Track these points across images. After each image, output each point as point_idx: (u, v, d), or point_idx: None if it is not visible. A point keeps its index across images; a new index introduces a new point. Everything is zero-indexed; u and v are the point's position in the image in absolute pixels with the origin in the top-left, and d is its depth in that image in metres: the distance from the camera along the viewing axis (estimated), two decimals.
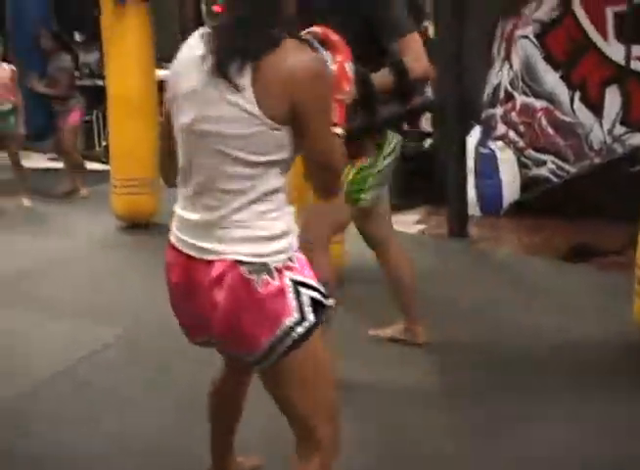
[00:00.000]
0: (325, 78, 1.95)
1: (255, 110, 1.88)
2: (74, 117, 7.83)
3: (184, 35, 2.16)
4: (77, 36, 9.96)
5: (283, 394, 2.11)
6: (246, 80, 1.87)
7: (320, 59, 2.01)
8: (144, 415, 3.35)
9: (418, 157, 6.95)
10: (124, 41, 6.08)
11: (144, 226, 6.37)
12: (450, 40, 5.77)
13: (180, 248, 2.07)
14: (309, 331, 1.99)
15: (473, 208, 6.35)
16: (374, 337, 4.06)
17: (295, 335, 1.97)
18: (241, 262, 1.96)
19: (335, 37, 2.27)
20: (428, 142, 7.14)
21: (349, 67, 2.25)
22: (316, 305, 2.00)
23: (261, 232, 1.98)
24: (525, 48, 6.54)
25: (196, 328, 2.15)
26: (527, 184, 6.62)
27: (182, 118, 2.00)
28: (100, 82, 8.70)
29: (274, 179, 1.99)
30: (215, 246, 1.99)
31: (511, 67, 6.63)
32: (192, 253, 2.03)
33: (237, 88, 1.88)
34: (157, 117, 6.17)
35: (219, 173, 1.97)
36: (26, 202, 7.39)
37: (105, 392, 3.60)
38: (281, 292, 1.96)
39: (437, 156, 6.79)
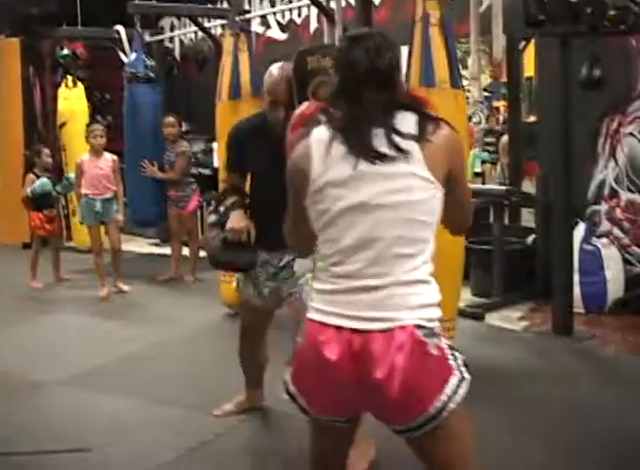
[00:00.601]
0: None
1: (430, 176, 2.14)
2: (194, 204, 8.11)
3: None
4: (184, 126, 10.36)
5: (446, 454, 2.22)
6: (417, 152, 2.13)
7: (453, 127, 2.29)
8: None
9: (521, 252, 6.93)
10: None
11: None
12: (557, 137, 5.78)
13: (340, 323, 2.14)
14: (467, 390, 2.16)
15: (576, 305, 6.25)
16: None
17: (461, 392, 2.15)
18: (419, 327, 2.10)
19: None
20: (530, 238, 7.09)
21: None
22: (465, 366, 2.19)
23: (430, 298, 2.19)
24: (631, 145, 6.51)
25: (343, 403, 2.23)
26: (632, 282, 6.51)
27: (345, 201, 2.17)
28: (205, 171, 9.00)
29: (434, 242, 2.22)
30: (394, 314, 2.11)
31: (616, 163, 6.59)
32: (361, 325, 2.12)
33: (412, 160, 2.13)
34: None
35: (398, 240, 2.15)
36: (125, 287, 7.61)
37: None
38: (444, 354, 2.14)
39: (541, 251, 6.75)
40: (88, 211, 7.48)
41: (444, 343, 2.16)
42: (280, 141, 3.33)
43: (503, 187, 7.22)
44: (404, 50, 8.16)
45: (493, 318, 6.27)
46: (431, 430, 2.14)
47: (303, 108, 2.70)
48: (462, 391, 2.15)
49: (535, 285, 6.72)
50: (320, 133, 2.25)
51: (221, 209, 3.74)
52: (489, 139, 11.58)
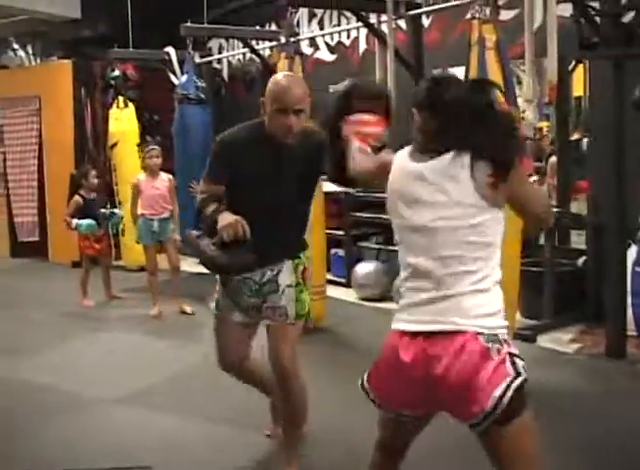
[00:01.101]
0: None
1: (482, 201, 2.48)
2: None
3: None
4: None
5: (508, 452, 2.46)
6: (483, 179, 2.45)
7: None
8: None
9: (571, 274, 6.90)
10: None
11: (309, 332, 6.52)
12: (609, 158, 5.77)
13: (414, 329, 2.48)
14: (523, 385, 2.40)
15: (629, 327, 6.20)
16: None
17: (514, 386, 2.37)
18: (479, 334, 2.40)
19: None
20: (581, 259, 7.05)
21: None
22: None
23: (491, 308, 2.48)
24: None
25: (414, 402, 2.57)
26: None
27: (417, 220, 2.52)
28: None
29: (496, 259, 2.51)
30: (463, 321, 2.43)
31: None
32: (430, 329, 2.45)
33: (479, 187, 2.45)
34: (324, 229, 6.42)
35: (462, 258, 2.47)
36: (188, 309, 7.61)
37: None
38: (504, 360, 2.40)
39: (592, 273, 6.71)
40: (145, 230, 7.52)
41: (507, 349, 2.42)
42: (280, 148, 3.54)
43: (554, 208, 7.18)
44: (456, 71, 8.24)
45: (544, 340, 6.23)
46: (492, 427, 2.39)
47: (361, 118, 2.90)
48: (517, 383, 2.38)
49: (586, 307, 6.68)
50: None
51: (204, 216, 3.55)
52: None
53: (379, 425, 2.79)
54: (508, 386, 2.36)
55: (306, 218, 3.89)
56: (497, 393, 2.35)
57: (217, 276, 3.82)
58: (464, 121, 2.49)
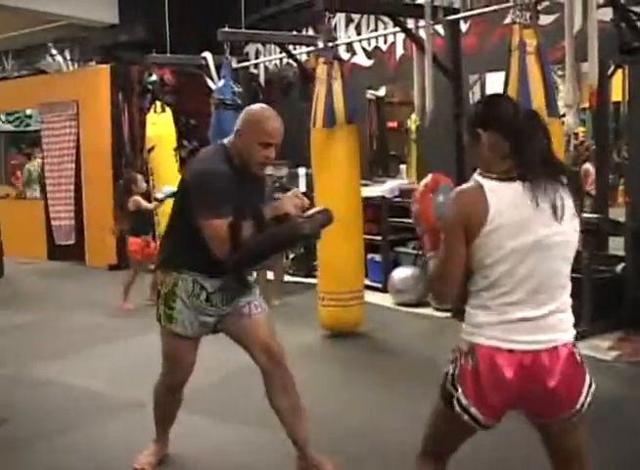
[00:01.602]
0: None
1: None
2: None
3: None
4: None
5: (583, 440, 2.76)
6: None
7: None
8: None
9: (609, 281, 6.84)
10: (332, 160, 6.38)
11: (345, 336, 6.58)
12: None
13: (516, 348, 2.58)
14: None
15: None
16: None
17: (592, 390, 2.66)
18: (572, 344, 2.63)
19: None
20: (619, 266, 6.98)
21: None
22: None
23: (573, 320, 2.69)
24: None
25: (505, 409, 2.69)
26: None
27: (519, 240, 2.57)
28: None
29: None
30: (560, 335, 2.61)
31: None
32: (536, 347, 2.58)
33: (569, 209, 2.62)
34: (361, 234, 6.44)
35: (556, 275, 2.63)
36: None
37: None
38: (583, 362, 2.67)
39: (630, 280, 6.65)
40: None
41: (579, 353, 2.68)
42: (254, 179, 3.68)
43: (592, 215, 7.12)
44: (494, 77, 8.20)
45: (582, 347, 6.08)
46: (572, 422, 2.67)
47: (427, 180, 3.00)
48: (593, 387, 2.67)
49: (624, 314, 6.61)
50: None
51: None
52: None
53: (446, 432, 2.83)
54: (590, 390, 2.67)
55: None
56: (585, 394, 2.65)
57: (180, 292, 3.73)
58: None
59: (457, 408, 2.64)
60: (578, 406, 2.63)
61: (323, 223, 3.70)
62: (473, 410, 2.62)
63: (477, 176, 2.64)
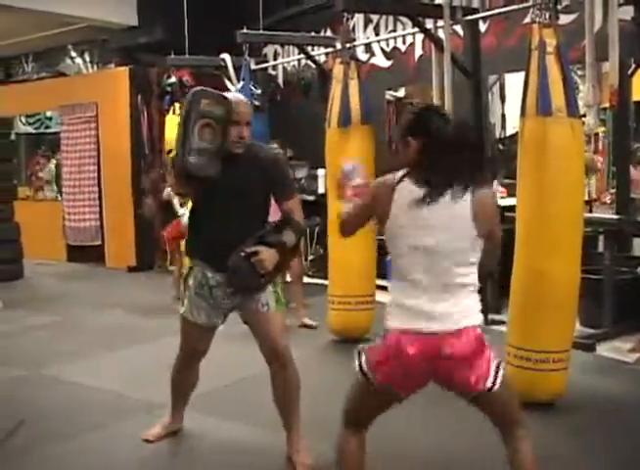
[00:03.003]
0: None
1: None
2: None
3: None
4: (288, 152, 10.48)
5: (505, 406, 3.02)
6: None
7: None
8: None
9: (631, 282, 6.79)
10: (345, 159, 6.32)
11: (354, 341, 6.47)
12: None
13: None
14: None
15: None
16: None
17: (502, 369, 2.96)
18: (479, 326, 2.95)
19: None
20: None
21: None
22: None
23: None
24: None
25: (417, 386, 3.02)
26: None
27: (423, 241, 2.90)
28: (309, 197, 9.03)
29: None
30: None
31: None
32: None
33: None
34: (374, 237, 6.38)
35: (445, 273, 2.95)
36: (311, 322, 7.31)
37: None
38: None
39: None
40: None
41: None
42: (234, 158, 3.93)
43: (615, 216, 7.05)
44: (513, 77, 8.16)
45: (604, 349, 6.13)
46: (493, 394, 2.93)
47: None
48: (503, 365, 3.00)
49: None
50: None
51: None
52: None
53: (358, 398, 3.16)
54: (498, 367, 2.95)
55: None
56: (493, 372, 2.92)
57: (191, 281, 4.09)
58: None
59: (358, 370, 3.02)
60: (488, 385, 2.90)
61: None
62: (370, 375, 2.98)
63: (399, 175, 2.97)
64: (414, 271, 2.92)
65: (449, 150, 2.88)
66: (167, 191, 8.22)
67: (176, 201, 8.14)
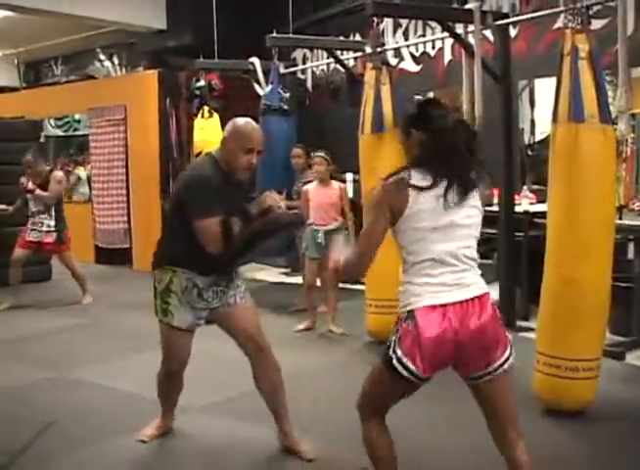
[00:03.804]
0: None
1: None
2: None
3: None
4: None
5: (509, 397, 3.18)
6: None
7: None
8: None
9: None
10: (381, 166, 6.26)
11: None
12: None
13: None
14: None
15: None
16: None
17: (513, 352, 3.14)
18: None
19: None
20: None
21: None
22: None
23: None
24: None
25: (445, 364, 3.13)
26: None
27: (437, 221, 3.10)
28: None
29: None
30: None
31: None
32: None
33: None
34: None
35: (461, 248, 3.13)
36: (339, 330, 7.26)
37: None
38: None
39: None
40: (312, 242, 7.27)
41: None
42: (238, 184, 4.11)
43: None
44: (544, 82, 8.11)
45: (633, 358, 6.08)
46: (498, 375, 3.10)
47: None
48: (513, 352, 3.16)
49: None
50: None
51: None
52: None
53: (383, 389, 3.25)
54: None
55: None
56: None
57: (175, 288, 4.18)
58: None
59: (397, 364, 3.06)
60: (503, 359, 3.07)
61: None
62: (409, 365, 3.04)
63: (404, 170, 3.14)
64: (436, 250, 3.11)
65: (450, 142, 3.07)
66: None
67: None
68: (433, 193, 3.06)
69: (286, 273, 10.43)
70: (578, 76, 4.51)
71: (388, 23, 9.90)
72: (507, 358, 3.09)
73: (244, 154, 3.99)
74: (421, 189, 3.05)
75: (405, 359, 3.04)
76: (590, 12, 4.84)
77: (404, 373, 3.04)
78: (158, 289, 4.23)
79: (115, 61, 13.50)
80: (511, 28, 7.49)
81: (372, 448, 3.30)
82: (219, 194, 3.92)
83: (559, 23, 7.32)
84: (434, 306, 3.03)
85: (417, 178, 3.08)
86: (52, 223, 8.70)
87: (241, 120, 4.10)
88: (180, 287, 4.14)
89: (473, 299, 3.05)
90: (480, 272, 3.18)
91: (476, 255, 3.18)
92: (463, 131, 3.12)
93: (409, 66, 9.94)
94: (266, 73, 9.29)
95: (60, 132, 13.03)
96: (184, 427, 4.81)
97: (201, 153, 9.82)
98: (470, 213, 3.14)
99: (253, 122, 4.15)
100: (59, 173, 8.90)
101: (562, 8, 5.12)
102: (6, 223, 9.33)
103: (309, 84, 11.46)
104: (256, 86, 9.59)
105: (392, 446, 3.30)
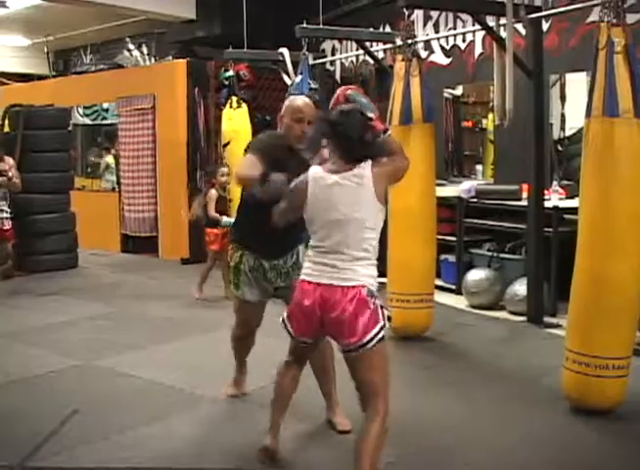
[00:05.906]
0: None
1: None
2: None
3: None
4: None
5: (369, 374, 3.55)
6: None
7: None
8: None
9: None
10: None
11: (412, 339, 6.51)
12: None
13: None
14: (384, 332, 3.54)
15: None
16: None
17: (383, 332, 3.51)
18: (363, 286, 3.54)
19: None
20: None
21: None
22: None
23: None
24: None
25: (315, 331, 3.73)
26: None
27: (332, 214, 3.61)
28: None
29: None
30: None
31: None
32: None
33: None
34: (435, 235, 6.35)
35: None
36: None
37: None
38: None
39: None
40: None
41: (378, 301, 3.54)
42: (298, 153, 4.34)
43: None
44: (576, 77, 8.03)
45: None
46: (363, 354, 3.51)
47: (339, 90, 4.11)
48: (384, 331, 3.53)
49: None
50: None
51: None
52: None
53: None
54: (381, 329, 3.52)
55: None
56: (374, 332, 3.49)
57: (245, 267, 4.65)
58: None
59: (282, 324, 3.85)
60: (365, 340, 3.46)
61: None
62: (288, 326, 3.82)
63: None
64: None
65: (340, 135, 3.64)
66: (209, 196, 8.27)
67: (212, 213, 8.16)
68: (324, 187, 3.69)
69: None
70: (613, 71, 4.46)
71: (418, 15, 9.85)
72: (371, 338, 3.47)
73: (295, 123, 4.41)
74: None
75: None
76: (625, 5, 4.77)
77: None
78: (231, 264, 4.73)
79: (144, 50, 13.49)
80: (543, 22, 7.42)
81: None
82: (276, 150, 4.31)
83: (592, 17, 7.26)
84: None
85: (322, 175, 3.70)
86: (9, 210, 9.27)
87: (293, 97, 4.68)
88: (249, 266, 4.62)
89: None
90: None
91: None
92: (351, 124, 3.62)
93: (439, 58, 9.87)
94: (295, 64, 9.26)
95: (88, 121, 13.07)
96: (209, 417, 4.82)
97: (229, 143, 9.84)
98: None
99: (305, 98, 4.68)
100: (10, 159, 9.31)
101: (597, 1, 5.05)
102: None
103: (338, 76, 11.43)
104: (285, 77, 9.58)
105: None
